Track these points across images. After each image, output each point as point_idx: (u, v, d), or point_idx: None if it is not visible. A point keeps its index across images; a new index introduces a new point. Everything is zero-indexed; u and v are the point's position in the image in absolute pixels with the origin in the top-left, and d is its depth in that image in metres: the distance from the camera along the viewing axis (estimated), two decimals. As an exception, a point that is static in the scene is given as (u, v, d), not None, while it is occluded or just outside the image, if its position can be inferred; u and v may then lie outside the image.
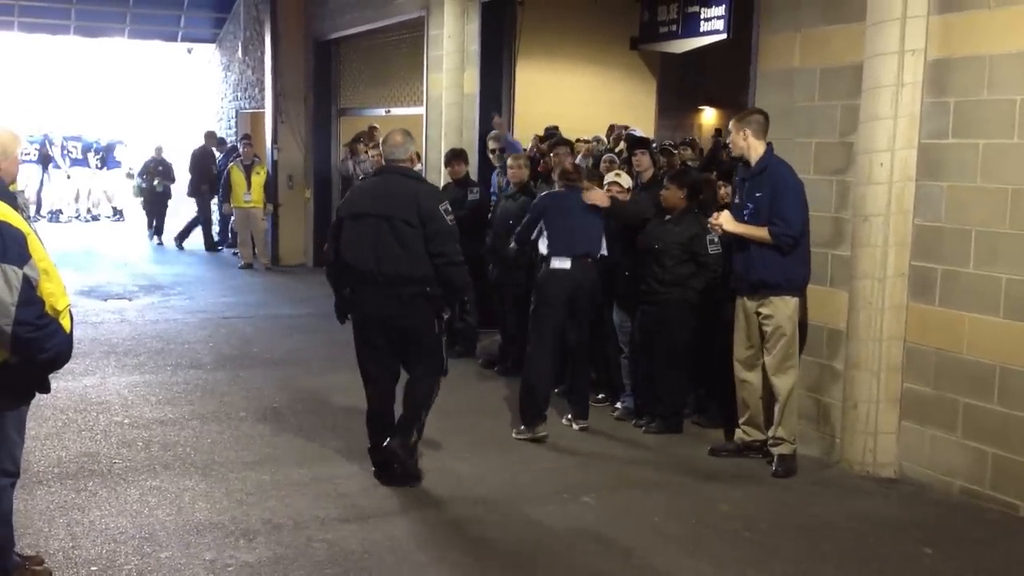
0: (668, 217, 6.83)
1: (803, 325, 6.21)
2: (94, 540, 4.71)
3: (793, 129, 6.44)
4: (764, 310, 6.01)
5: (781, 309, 5.96)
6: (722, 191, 6.93)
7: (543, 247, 6.68)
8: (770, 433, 6.09)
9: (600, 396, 7.55)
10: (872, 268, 5.88)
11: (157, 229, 17.63)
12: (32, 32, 19.67)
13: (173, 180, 17.78)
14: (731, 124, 6.10)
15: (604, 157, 8.13)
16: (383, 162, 5.87)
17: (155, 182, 17.55)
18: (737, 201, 6.14)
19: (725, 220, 6.01)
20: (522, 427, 6.58)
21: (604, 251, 6.76)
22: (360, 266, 5.49)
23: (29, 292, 3.59)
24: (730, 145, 6.15)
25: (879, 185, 5.83)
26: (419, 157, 12.47)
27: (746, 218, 5.97)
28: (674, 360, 6.80)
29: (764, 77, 6.75)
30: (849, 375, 6.04)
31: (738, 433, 6.30)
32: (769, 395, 6.13)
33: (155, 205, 17.82)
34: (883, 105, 5.77)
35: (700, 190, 7.07)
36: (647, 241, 6.83)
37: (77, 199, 21.21)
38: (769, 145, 5.99)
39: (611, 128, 12.87)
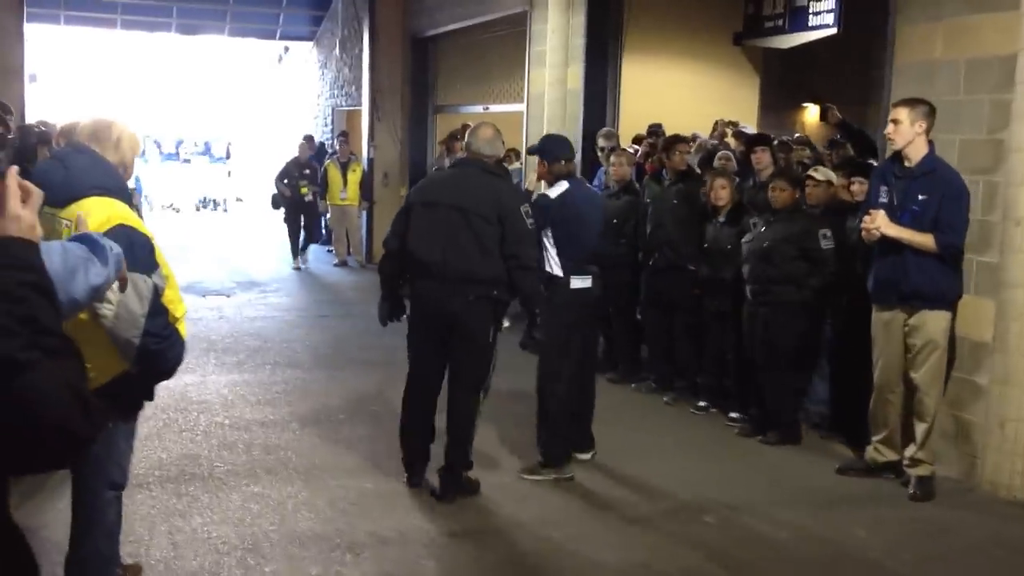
0: (774, 216, 6.45)
1: (951, 341, 5.71)
2: (196, 550, 4.53)
3: (935, 125, 5.94)
4: (914, 322, 5.50)
5: (936, 323, 5.47)
6: (855, 187, 6.46)
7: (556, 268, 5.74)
8: (907, 453, 5.63)
9: (701, 404, 7.19)
10: (1024, 276, 5.40)
11: (303, 247, 14.53)
12: (134, 30, 20.04)
13: (320, 185, 14.51)
14: (901, 111, 5.46)
15: (720, 154, 7.73)
16: (464, 153, 5.45)
17: (302, 190, 14.35)
18: (885, 200, 5.56)
19: (883, 223, 5.44)
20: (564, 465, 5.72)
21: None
22: (425, 257, 5.14)
23: (156, 302, 3.39)
24: (889, 133, 5.52)
25: (1034, 186, 5.34)
26: (517, 155, 12.24)
27: (905, 221, 5.42)
28: (789, 364, 6.43)
29: (901, 70, 6.28)
30: (996, 391, 5.56)
31: (869, 452, 5.84)
32: (908, 413, 5.67)
33: (304, 217, 14.51)
34: (1041, 99, 5.28)
35: (804, 187, 6.72)
36: (755, 241, 6.46)
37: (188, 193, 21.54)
38: (931, 143, 5.52)
39: (716, 125, 12.42)
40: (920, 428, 5.54)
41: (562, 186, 5.69)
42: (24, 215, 2.07)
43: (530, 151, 6.07)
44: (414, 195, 5.41)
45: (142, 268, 3.33)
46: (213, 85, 25.31)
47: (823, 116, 10.18)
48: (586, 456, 5.92)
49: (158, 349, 3.38)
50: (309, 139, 16.93)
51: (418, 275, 5.22)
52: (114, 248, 2.57)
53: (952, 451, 5.89)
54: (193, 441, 6.17)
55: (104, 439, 3.57)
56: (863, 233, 5.59)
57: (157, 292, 3.39)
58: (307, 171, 14.51)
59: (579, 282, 5.63)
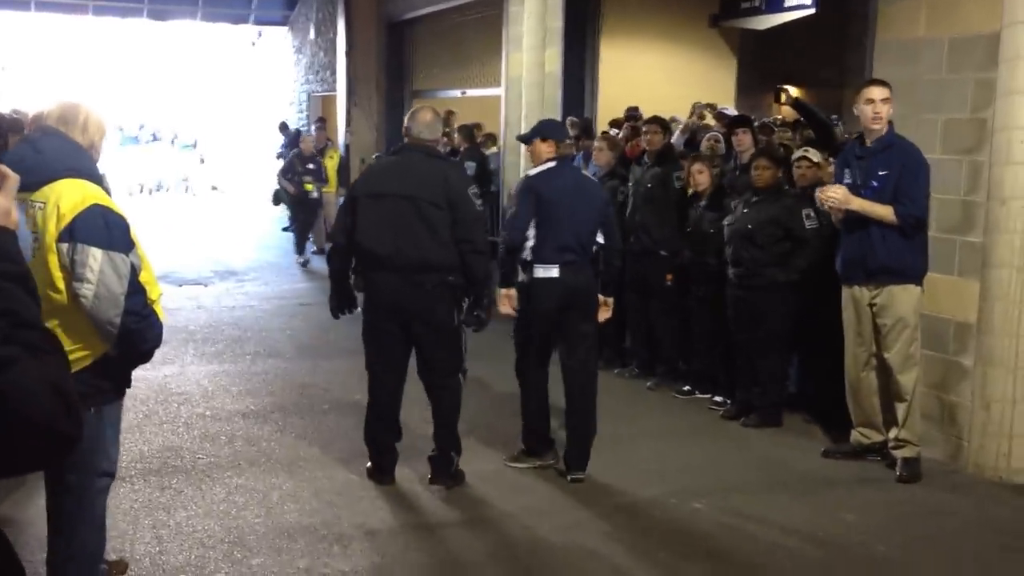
0: (756, 196, 6.43)
1: (926, 319, 5.71)
2: (181, 544, 4.46)
3: (918, 105, 5.94)
4: (881, 300, 5.51)
5: (904, 300, 5.47)
6: (831, 169, 6.44)
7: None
8: (891, 435, 5.62)
9: (686, 388, 7.17)
10: (1010, 256, 5.38)
11: (302, 247, 13.58)
12: (105, 15, 19.75)
13: (326, 181, 13.65)
14: (885, 90, 5.40)
15: (709, 135, 7.70)
16: (407, 139, 5.24)
17: (307, 186, 13.31)
18: (849, 181, 5.56)
19: (843, 195, 5.40)
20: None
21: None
22: (377, 250, 5.01)
23: (135, 281, 3.35)
24: (881, 114, 5.41)
25: (1019, 165, 5.32)
26: (494, 140, 12.15)
27: (868, 197, 5.42)
28: (773, 347, 6.42)
29: (883, 48, 6.25)
30: (981, 372, 5.56)
31: (854, 435, 5.83)
32: (886, 393, 5.67)
33: (307, 216, 13.58)
34: (1025, 78, 5.27)
35: (788, 166, 6.74)
36: (738, 223, 6.44)
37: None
38: (890, 122, 5.51)
39: (693, 108, 12.38)
40: (900, 408, 5.54)
41: (546, 166, 5.49)
42: None
43: (522, 138, 5.84)
44: (358, 187, 5.27)
45: (119, 248, 3.30)
46: (186, 71, 25.04)
47: (776, 98, 10.16)
48: (577, 476, 5.37)
49: (138, 328, 3.36)
50: (322, 124, 15.42)
51: (371, 267, 5.09)
52: None
53: (938, 433, 5.89)
54: (174, 433, 6.08)
55: (90, 426, 3.49)
56: (829, 209, 5.60)
57: (135, 271, 3.34)
58: (311, 166, 13.39)
59: (542, 271, 5.34)
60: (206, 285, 11.60)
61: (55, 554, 3.63)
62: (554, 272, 5.33)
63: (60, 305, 3.32)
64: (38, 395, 1.89)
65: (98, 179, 3.54)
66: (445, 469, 5.24)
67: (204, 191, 23.72)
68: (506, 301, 5.44)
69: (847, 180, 5.61)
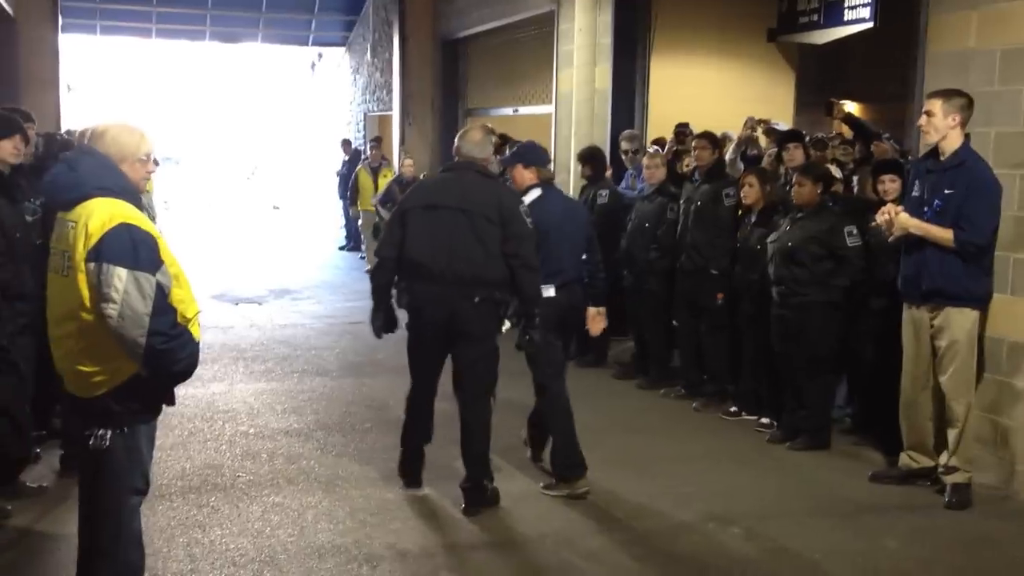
0: (801, 213, 6.31)
1: (980, 341, 5.52)
2: (213, 562, 4.48)
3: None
4: (938, 322, 5.34)
5: (959, 323, 5.29)
6: (889, 185, 6.25)
7: None
8: (942, 460, 5.44)
9: (732, 409, 7.04)
10: (1064, 275, 5.20)
11: None
12: (169, 38, 20.25)
13: None
14: (935, 103, 5.27)
15: (769, 151, 7.58)
16: (456, 158, 5.27)
17: None
18: (916, 194, 5.41)
19: (903, 216, 5.29)
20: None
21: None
22: (428, 262, 5.01)
23: (162, 300, 3.35)
24: (922, 125, 5.33)
25: (1072, 181, 5.15)
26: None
27: (929, 216, 5.27)
28: (819, 367, 6.26)
29: (934, 61, 6.10)
30: (1035, 395, 5.37)
31: (903, 459, 5.66)
32: (940, 417, 5.49)
33: None
34: (1079, 90, 5.09)
35: (831, 183, 6.65)
36: (780, 240, 6.32)
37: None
38: (967, 136, 5.34)
39: (746, 122, 12.19)
40: (952, 434, 5.36)
41: (534, 193, 5.53)
42: None
43: (505, 161, 5.86)
44: (410, 200, 5.26)
45: (145, 267, 3.30)
46: (248, 93, 25.55)
47: (828, 111, 9.95)
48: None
49: (165, 348, 3.34)
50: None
51: (418, 279, 5.07)
52: None
53: (990, 457, 5.68)
54: (217, 451, 6.14)
55: (126, 445, 3.52)
56: (883, 226, 5.47)
57: (163, 290, 3.35)
58: None
59: (542, 291, 5.29)
60: (260, 303, 11.74)
61: (98, 572, 3.63)
62: (551, 292, 5.38)
63: (90, 325, 3.36)
64: None
65: (133, 197, 3.57)
66: (478, 498, 5.19)
67: (264, 210, 24.14)
68: None
69: (915, 192, 5.47)
